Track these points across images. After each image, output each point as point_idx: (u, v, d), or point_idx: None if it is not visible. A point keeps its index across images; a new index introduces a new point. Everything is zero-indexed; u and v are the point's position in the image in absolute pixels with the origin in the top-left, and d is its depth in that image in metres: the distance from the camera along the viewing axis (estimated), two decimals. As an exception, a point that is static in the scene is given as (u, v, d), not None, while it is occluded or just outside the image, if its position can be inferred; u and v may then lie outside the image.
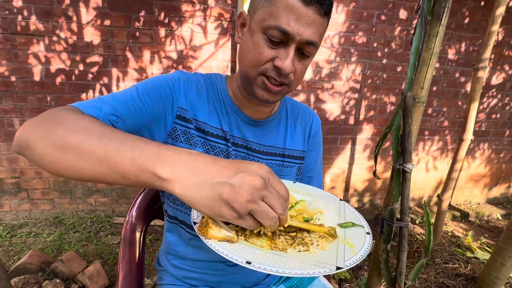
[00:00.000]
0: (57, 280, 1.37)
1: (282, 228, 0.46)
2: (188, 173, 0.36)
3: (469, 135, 1.69)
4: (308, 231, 0.47)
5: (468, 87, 2.38)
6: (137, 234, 0.87)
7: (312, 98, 2.19)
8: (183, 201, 0.37)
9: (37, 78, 1.82)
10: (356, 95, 2.23)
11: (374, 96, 2.26)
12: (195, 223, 0.45)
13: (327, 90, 2.19)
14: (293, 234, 0.47)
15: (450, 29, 2.19)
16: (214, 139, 0.69)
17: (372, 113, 2.30)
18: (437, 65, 2.24)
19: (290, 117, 0.84)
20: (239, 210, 0.35)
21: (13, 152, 1.90)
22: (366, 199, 2.57)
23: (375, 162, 0.92)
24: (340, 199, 0.63)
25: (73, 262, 1.51)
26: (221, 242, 0.41)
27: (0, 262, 1.11)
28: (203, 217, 0.45)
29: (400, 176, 0.81)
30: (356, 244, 0.45)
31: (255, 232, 0.44)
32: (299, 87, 2.13)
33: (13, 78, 1.79)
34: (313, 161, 0.90)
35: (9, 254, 1.70)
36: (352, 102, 2.25)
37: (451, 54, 2.27)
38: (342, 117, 2.27)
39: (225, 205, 0.35)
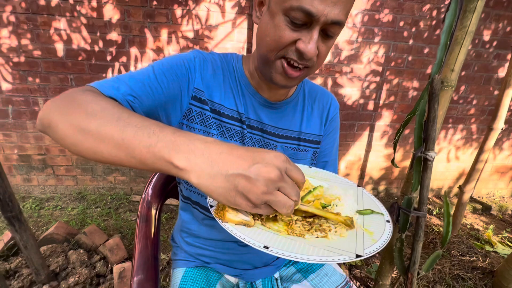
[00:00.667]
0: (81, 251, 1.47)
1: (299, 214, 0.45)
2: (203, 164, 0.35)
3: (500, 124, 1.57)
4: (326, 219, 0.46)
5: (502, 72, 2.19)
6: (153, 211, 0.90)
7: (330, 82, 2.11)
8: (199, 190, 0.38)
9: (58, 58, 1.86)
10: (377, 79, 2.13)
11: (396, 81, 2.14)
12: (211, 206, 0.45)
13: (345, 74, 2.09)
14: (310, 220, 0.46)
15: (488, 6, 1.99)
16: (229, 121, 0.68)
17: (392, 98, 2.19)
18: (469, 47, 2.06)
19: (307, 100, 0.81)
20: (255, 201, 0.35)
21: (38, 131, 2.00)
22: (381, 187, 2.52)
23: (394, 149, 0.89)
24: (358, 185, 0.61)
25: (95, 235, 1.61)
26: (238, 226, 0.41)
27: (31, 231, 1.20)
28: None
29: (421, 165, 0.77)
30: (376, 231, 0.43)
31: (271, 217, 0.44)
32: (316, 71, 2.05)
33: (36, 57, 1.85)
34: (329, 146, 0.88)
35: (38, 225, 1.84)
36: (372, 87, 2.15)
37: (486, 35, 2.08)
38: (361, 101, 2.18)
39: (241, 196, 0.35)
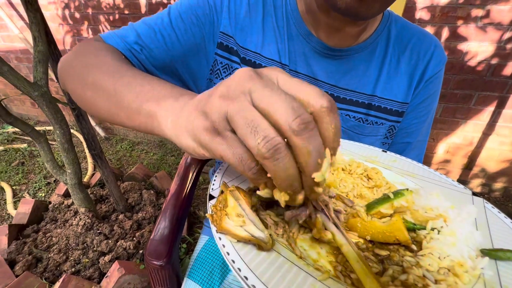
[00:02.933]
0: (152, 191, 1.67)
1: (361, 236, 0.26)
2: (175, 103, 0.29)
3: None
4: (412, 250, 0.25)
5: None
6: (190, 173, 0.86)
7: (445, 34, 1.52)
8: (172, 139, 0.29)
9: (142, 13, 1.97)
10: (530, 28, 1.40)
11: None
12: (211, 197, 0.31)
13: (475, 21, 1.46)
14: (384, 253, 0.26)
15: None
16: None
17: (555, 58, 1.43)
18: None
19: (392, 48, 0.54)
20: (211, 114, 0.23)
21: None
22: (498, 185, 1.86)
23: None
24: (474, 194, 0.36)
25: (164, 180, 1.79)
26: (242, 245, 0.25)
27: (111, 168, 1.39)
28: (221, 192, 0.31)
29: None
30: None
31: (308, 230, 0.27)
32: (426, 16, 1.50)
33: (126, 14, 2.01)
34: (417, 121, 0.60)
35: (129, 163, 2.19)
36: (518, 40, 1.44)
37: None
38: (492, 62, 1.52)
39: (199, 115, 0.25)
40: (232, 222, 0.25)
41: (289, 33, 0.50)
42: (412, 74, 0.54)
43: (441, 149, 1.84)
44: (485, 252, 0.25)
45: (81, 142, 2.32)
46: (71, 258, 1.22)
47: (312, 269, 0.22)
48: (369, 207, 0.29)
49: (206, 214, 0.28)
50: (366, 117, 0.55)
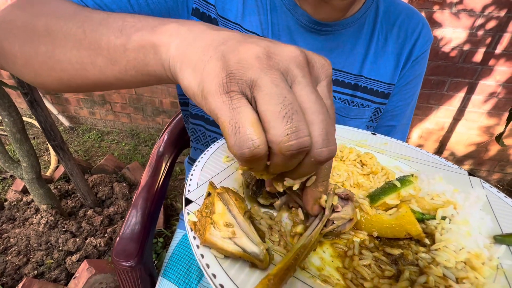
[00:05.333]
0: (124, 184, 1.56)
1: (366, 231, 0.22)
2: (194, 28, 0.23)
3: None
4: (424, 244, 0.22)
5: None
6: (163, 163, 0.79)
7: (422, 19, 1.54)
8: (173, 71, 0.22)
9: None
10: (501, 14, 1.45)
11: (534, 18, 1.43)
12: (188, 201, 0.25)
13: (450, 7, 1.48)
14: (397, 252, 0.22)
15: None
16: None
17: (520, 45, 1.51)
18: None
19: (381, 24, 0.51)
20: (235, 68, 0.18)
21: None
22: (465, 167, 1.97)
23: (509, 120, 0.60)
24: (470, 174, 0.33)
25: (137, 171, 1.68)
26: (231, 261, 0.20)
27: (74, 160, 1.27)
28: (208, 195, 0.24)
29: None
30: None
31: (302, 227, 0.23)
32: None
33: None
34: (403, 102, 0.57)
35: (98, 154, 2.04)
36: (490, 26, 1.49)
37: None
38: (465, 48, 1.57)
39: (216, 59, 0.19)
40: (219, 232, 0.20)
41: (272, 3, 0.45)
42: (399, 54, 0.51)
43: (415, 135, 1.91)
44: (499, 239, 0.22)
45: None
46: (33, 260, 1.10)
47: (319, 282, 0.18)
48: (373, 198, 0.26)
49: (187, 222, 0.22)
50: (352, 98, 0.52)
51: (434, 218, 0.24)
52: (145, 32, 0.23)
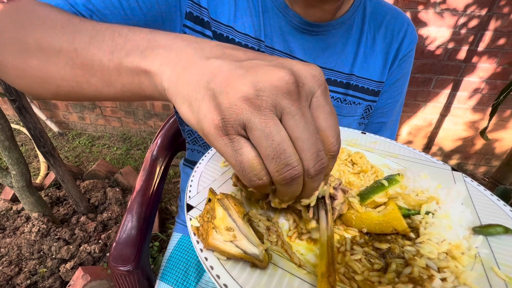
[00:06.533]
0: (117, 189, 1.54)
1: (355, 227, 0.23)
2: (182, 54, 0.22)
3: None
4: (409, 238, 0.23)
5: None
6: (157, 167, 0.79)
7: (407, 19, 1.58)
8: (170, 99, 0.23)
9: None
10: (482, 13, 1.50)
11: (513, 16, 1.49)
12: (189, 207, 0.26)
13: (434, 6, 1.52)
14: (385, 247, 0.24)
15: None
16: None
17: (502, 42, 1.56)
18: None
19: (368, 25, 0.52)
20: (224, 111, 0.19)
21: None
22: (453, 162, 2.04)
23: (492, 115, 0.63)
24: (454, 169, 0.35)
25: (130, 175, 1.67)
26: (233, 263, 0.21)
27: (66, 167, 1.25)
28: (209, 200, 0.25)
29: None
30: None
31: (302, 229, 0.25)
32: (390, 0, 1.53)
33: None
34: (392, 100, 0.59)
35: (89, 160, 2.01)
36: (472, 24, 1.54)
37: None
38: (449, 46, 1.62)
39: (209, 99, 0.20)
40: (221, 236, 0.21)
41: (263, 5, 0.46)
42: (387, 53, 0.53)
43: (405, 131, 1.96)
44: (477, 230, 0.24)
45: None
46: (25, 270, 1.08)
47: (314, 277, 0.20)
48: (363, 197, 0.27)
49: (190, 227, 0.23)
50: (345, 97, 0.54)
51: (419, 213, 0.26)
52: (136, 58, 0.23)
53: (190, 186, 0.28)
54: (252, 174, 0.20)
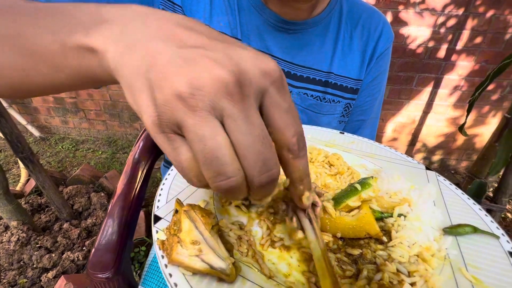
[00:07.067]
0: (102, 194, 1.51)
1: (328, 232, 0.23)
2: (128, 30, 0.20)
3: None
4: (382, 242, 0.23)
5: None
6: (140, 171, 0.77)
7: (389, 18, 1.61)
8: (119, 82, 0.20)
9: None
10: (459, 12, 1.55)
11: (489, 15, 1.54)
12: (157, 218, 0.25)
13: (414, 6, 1.56)
14: (357, 252, 0.24)
15: None
16: None
17: (479, 40, 1.62)
18: None
19: (345, 23, 0.53)
20: (159, 107, 0.18)
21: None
22: (436, 157, 2.09)
23: (469, 111, 0.66)
24: (428, 168, 0.36)
25: (115, 179, 1.63)
26: (199, 279, 0.21)
27: (46, 172, 1.21)
28: (176, 211, 0.25)
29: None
30: (489, 277, 0.21)
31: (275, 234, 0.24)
32: (372, 0, 1.56)
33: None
34: (371, 98, 0.60)
35: (73, 165, 1.95)
36: (450, 24, 1.59)
37: None
38: (430, 45, 1.66)
39: (147, 91, 0.18)
40: (186, 251, 0.20)
41: (240, 3, 0.46)
42: (364, 51, 0.54)
43: (389, 128, 2.00)
44: (447, 231, 0.24)
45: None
46: (4, 281, 1.04)
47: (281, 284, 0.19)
48: (337, 201, 0.27)
49: (155, 241, 0.23)
50: (324, 95, 0.54)
51: (391, 216, 0.26)
52: (78, 35, 0.21)
53: (160, 195, 0.27)
54: (192, 175, 0.19)
